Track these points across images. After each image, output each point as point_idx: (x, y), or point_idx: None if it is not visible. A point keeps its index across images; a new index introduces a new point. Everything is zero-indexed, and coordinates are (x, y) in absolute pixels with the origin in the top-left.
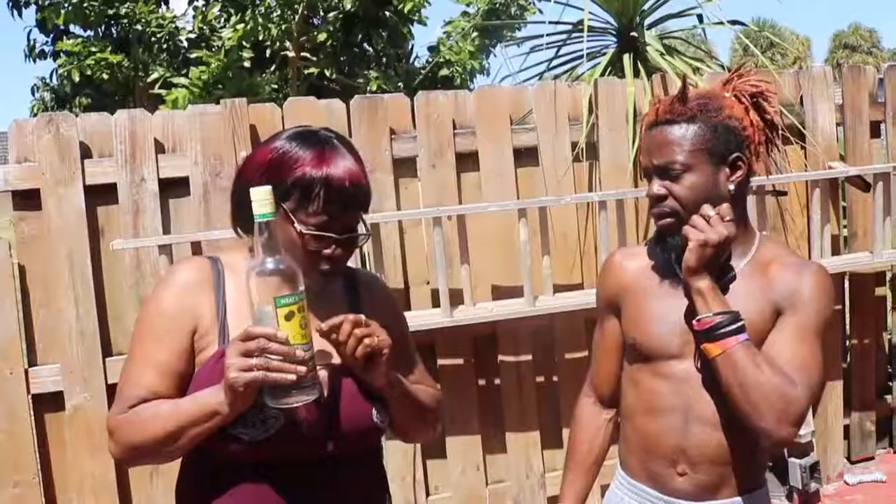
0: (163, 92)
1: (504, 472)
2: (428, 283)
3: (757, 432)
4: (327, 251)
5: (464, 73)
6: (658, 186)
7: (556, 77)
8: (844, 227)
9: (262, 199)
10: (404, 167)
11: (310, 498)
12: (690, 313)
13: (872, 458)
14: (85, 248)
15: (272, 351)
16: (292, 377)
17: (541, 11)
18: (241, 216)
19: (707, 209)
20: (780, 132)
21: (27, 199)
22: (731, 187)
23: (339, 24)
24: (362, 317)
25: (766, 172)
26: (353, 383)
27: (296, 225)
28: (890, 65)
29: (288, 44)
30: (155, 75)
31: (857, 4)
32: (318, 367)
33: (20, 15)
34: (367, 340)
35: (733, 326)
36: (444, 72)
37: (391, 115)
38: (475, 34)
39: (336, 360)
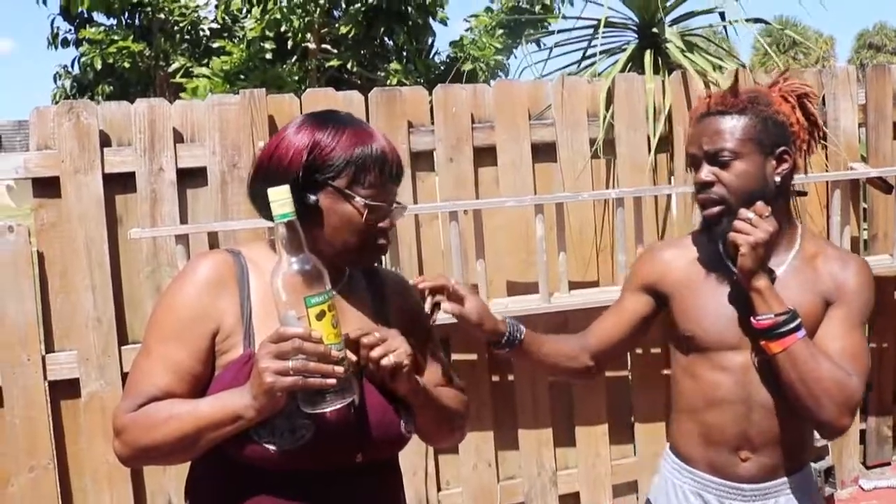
0: (184, 81)
1: (516, 469)
2: None
3: (818, 424)
4: (383, 224)
5: (487, 69)
6: (707, 172)
7: (575, 73)
8: (865, 229)
9: (281, 199)
10: (422, 160)
11: None
12: (745, 304)
13: (889, 464)
14: (103, 236)
15: (308, 351)
16: (332, 380)
17: (569, 4)
18: (258, 199)
19: (745, 212)
20: (822, 133)
21: (47, 187)
22: (777, 179)
23: (361, 17)
24: (377, 335)
25: None
26: (378, 392)
27: (356, 200)
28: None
29: (309, 35)
30: (176, 65)
31: (883, 4)
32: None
33: (45, 2)
34: (385, 360)
35: (793, 325)
36: (468, 66)
37: (409, 108)
38: (500, 31)
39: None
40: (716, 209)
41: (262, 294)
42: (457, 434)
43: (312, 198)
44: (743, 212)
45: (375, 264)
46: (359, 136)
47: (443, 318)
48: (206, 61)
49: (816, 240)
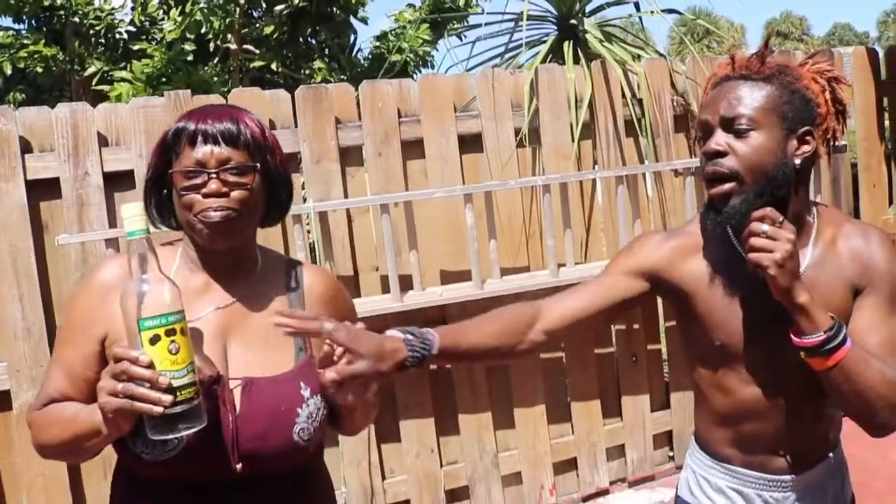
0: (105, 88)
1: (458, 454)
2: (377, 269)
3: (871, 427)
4: (204, 189)
5: (416, 58)
6: (720, 140)
7: (497, 66)
8: None
9: (133, 215)
10: (351, 156)
11: None
12: (772, 304)
13: None
14: (28, 244)
15: (134, 376)
16: (157, 409)
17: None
18: (157, 213)
19: (757, 226)
20: (846, 121)
21: None
22: (797, 162)
23: (286, 18)
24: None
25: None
26: (274, 398)
27: (175, 172)
28: (816, 49)
29: (230, 36)
30: (92, 69)
31: None
32: (235, 380)
33: None
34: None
35: (841, 336)
36: (396, 56)
37: (336, 105)
38: (424, 26)
39: (260, 369)
40: (725, 186)
41: None
42: (370, 421)
43: (167, 187)
44: (756, 226)
45: (296, 260)
46: (181, 118)
47: (380, 308)
48: (123, 65)
49: (831, 215)
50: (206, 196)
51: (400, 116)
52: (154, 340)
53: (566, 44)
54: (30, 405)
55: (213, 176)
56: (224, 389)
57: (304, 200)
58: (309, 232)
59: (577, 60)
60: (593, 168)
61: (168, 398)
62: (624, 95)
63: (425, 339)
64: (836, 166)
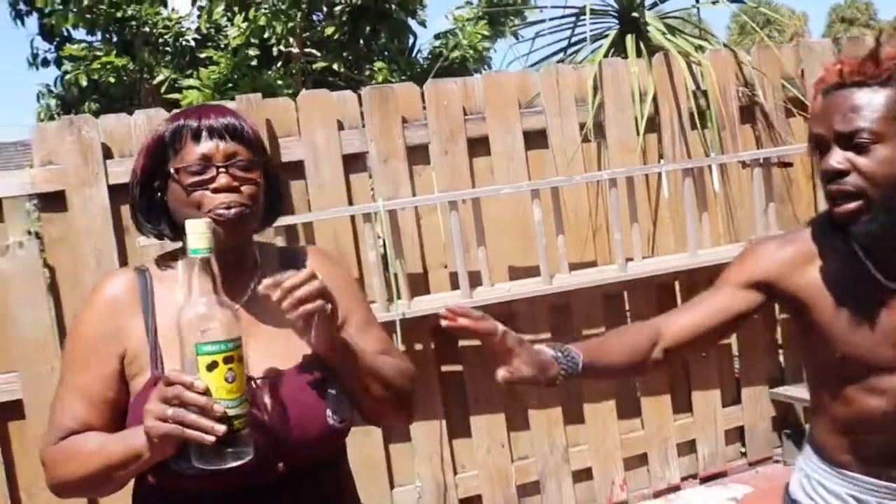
0: (176, 96)
1: (528, 449)
2: (445, 266)
3: None
4: (214, 184)
5: (476, 54)
6: (839, 158)
7: (560, 61)
8: None
9: (198, 231)
10: (418, 154)
11: None
12: None
13: None
14: (112, 247)
15: (187, 401)
16: (210, 438)
17: None
18: (144, 219)
19: None
20: None
21: (51, 202)
22: None
23: (346, 18)
24: (304, 273)
25: (772, 143)
26: (300, 388)
27: (178, 170)
28: (889, 34)
29: (291, 40)
30: (161, 77)
31: None
32: (258, 380)
33: (23, 23)
34: (306, 300)
35: None
36: (455, 54)
37: (402, 104)
38: (484, 22)
39: (280, 364)
40: (852, 205)
41: (169, 311)
42: (403, 411)
43: (162, 191)
44: None
45: (291, 249)
46: (176, 116)
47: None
48: (190, 72)
49: None
50: (216, 191)
51: (465, 114)
52: (211, 367)
53: (628, 37)
54: (42, 443)
55: (222, 170)
56: (253, 391)
57: (373, 200)
58: (379, 237)
59: (639, 54)
60: (658, 161)
61: (222, 428)
62: (688, 88)
63: (572, 357)
64: None
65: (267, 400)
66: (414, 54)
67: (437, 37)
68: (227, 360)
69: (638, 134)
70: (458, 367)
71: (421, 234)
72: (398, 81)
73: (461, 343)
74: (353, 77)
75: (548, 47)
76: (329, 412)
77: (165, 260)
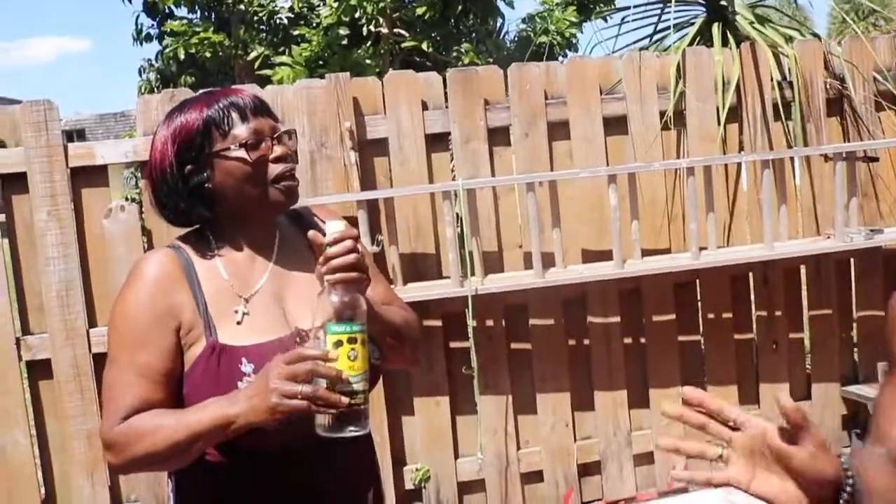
0: (268, 72)
1: (592, 430)
2: (520, 246)
3: None
4: (273, 154)
5: (563, 40)
6: None
7: (645, 48)
8: None
9: (340, 230)
10: (498, 136)
11: (308, 476)
12: None
13: None
14: None
15: (322, 374)
16: (337, 410)
17: None
18: (185, 204)
19: None
20: None
21: None
22: None
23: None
24: (345, 243)
25: (859, 137)
26: None
27: (232, 150)
28: None
29: (381, 20)
30: (255, 53)
31: None
32: (304, 331)
33: (130, 1)
34: (344, 268)
35: None
36: (543, 38)
37: (485, 87)
38: (571, 7)
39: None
40: None
41: (211, 283)
42: (408, 356)
43: (203, 176)
44: None
45: (297, 208)
46: (204, 102)
47: (522, 283)
48: (283, 49)
49: None
50: (277, 161)
51: (546, 98)
52: (338, 345)
53: (715, 26)
54: (102, 427)
55: (276, 142)
56: (302, 336)
57: (453, 179)
58: (457, 216)
59: (725, 43)
60: (739, 152)
61: (346, 400)
62: (773, 78)
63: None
64: None
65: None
66: (501, 36)
67: (524, 20)
68: (350, 341)
69: (719, 124)
70: (528, 346)
71: (498, 215)
72: (484, 63)
73: (531, 322)
74: (441, 58)
75: (634, 33)
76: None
77: (192, 239)
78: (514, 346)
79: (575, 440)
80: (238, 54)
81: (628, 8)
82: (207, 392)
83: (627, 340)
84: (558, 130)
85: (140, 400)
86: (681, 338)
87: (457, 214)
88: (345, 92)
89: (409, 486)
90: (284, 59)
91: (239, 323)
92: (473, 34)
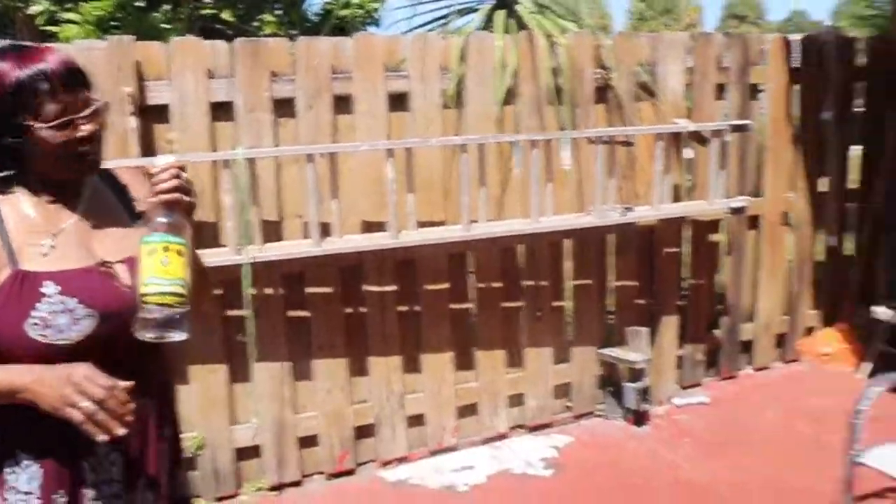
0: (54, 29)
1: (367, 393)
2: (300, 216)
3: None
4: (81, 133)
5: (365, 15)
6: None
7: (433, 28)
8: (689, 179)
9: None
10: (283, 108)
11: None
12: None
13: (699, 385)
14: None
15: (107, 407)
16: (104, 437)
17: None
18: None
19: None
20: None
21: None
22: None
23: None
24: (182, 163)
25: (622, 124)
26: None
27: (37, 129)
28: (736, 34)
29: None
30: (38, 7)
31: None
32: (114, 263)
33: None
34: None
35: None
36: (346, 12)
37: (273, 59)
38: None
39: (126, 252)
40: None
41: (16, 221)
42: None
43: (16, 139)
44: None
45: (108, 168)
46: (14, 60)
47: (299, 251)
48: (70, 6)
49: None
50: (84, 141)
51: (333, 73)
52: (151, 253)
53: (499, 13)
54: None
55: (84, 121)
56: (109, 271)
57: (234, 148)
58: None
59: (508, 30)
60: (515, 133)
61: (122, 431)
62: (550, 66)
63: None
64: (743, 146)
65: (123, 277)
66: (304, 7)
67: None
68: (164, 249)
69: (498, 105)
70: (306, 314)
71: (280, 184)
72: (287, 35)
73: (308, 290)
74: (243, 27)
75: (432, 12)
76: None
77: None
78: (291, 314)
79: (351, 404)
80: (17, 6)
81: None
82: (6, 318)
83: (402, 308)
84: (344, 104)
85: None
86: (453, 306)
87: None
88: (127, 56)
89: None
90: (73, 16)
91: (45, 255)
92: (277, 4)
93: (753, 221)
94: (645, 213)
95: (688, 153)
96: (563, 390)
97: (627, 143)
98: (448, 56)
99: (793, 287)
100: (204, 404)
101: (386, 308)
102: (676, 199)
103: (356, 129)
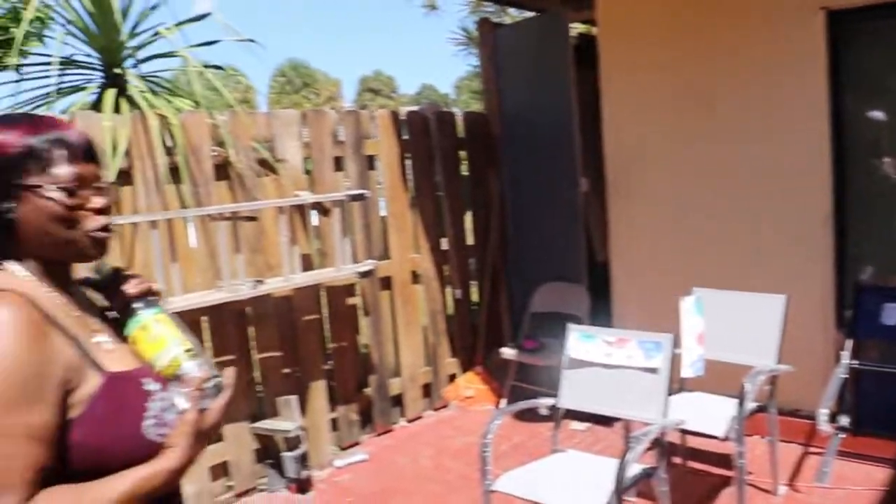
0: None
1: None
2: None
3: None
4: (91, 204)
5: None
6: None
7: (37, 107)
8: (318, 248)
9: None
10: None
11: None
12: None
13: (358, 443)
14: None
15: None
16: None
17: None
18: None
19: None
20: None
21: None
22: None
23: None
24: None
25: (245, 199)
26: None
27: (48, 189)
28: (347, 110)
29: None
30: None
31: (378, 53)
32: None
33: None
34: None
35: None
36: None
37: None
38: None
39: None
40: None
41: (65, 319)
42: None
43: (7, 206)
44: None
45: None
46: (28, 129)
47: None
48: None
49: None
50: (98, 212)
51: None
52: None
53: (109, 92)
54: None
55: (96, 193)
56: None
57: None
58: None
59: (118, 109)
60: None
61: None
62: (165, 144)
63: None
64: (367, 213)
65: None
66: None
67: None
68: (156, 322)
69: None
70: None
71: None
72: None
73: None
74: None
75: (36, 90)
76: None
77: (11, 278)
78: None
79: None
80: None
81: (26, 66)
82: (111, 427)
83: None
84: None
85: (35, 472)
86: None
87: None
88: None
89: None
90: None
91: (111, 352)
92: None
93: (386, 282)
94: (277, 285)
95: (314, 221)
96: (221, 470)
97: (251, 219)
98: None
99: (430, 339)
100: None
101: None
102: (308, 267)
103: None
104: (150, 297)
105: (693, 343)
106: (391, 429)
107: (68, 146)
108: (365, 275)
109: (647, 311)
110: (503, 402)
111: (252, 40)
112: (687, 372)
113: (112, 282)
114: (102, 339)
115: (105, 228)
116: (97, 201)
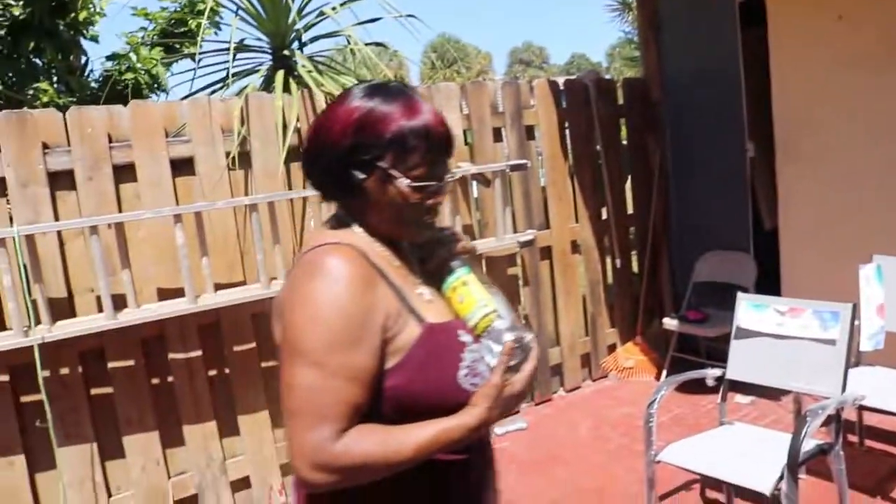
0: None
1: (185, 464)
2: (92, 290)
3: None
4: (431, 200)
5: (150, 79)
6: None
7: (216, 91)
8: (478, 219)
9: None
10: (61, 180)
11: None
12: None
13: (518, 412)
14: None
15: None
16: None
17: (216, 31)
18: (329, 182)
19: None
20: None
21: None
22: None
23: (5, 33)
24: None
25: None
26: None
27: (399, 181)
28: (506, 80)
29: None
30: None
31: (529, 25)
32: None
33: None
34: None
35: None
36: (129, 76)
37: (42, 130)
38: (159, 49)
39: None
40: None
41: (391, 271)
42: None
43: (360, 176)
44: None
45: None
46: (404, 112)
47: (94, 326)
48: None
49: None
50: (430, 210)
51: (111, 141)
52: (455, 290)
53: (279, 73)
54: (313, 442)
55: (440, 189)
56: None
57: (11, 224)
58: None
59: (287, 89)
60: (303, 188)
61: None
62: None
63: None
64: (526, 183)
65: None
66: (86, 74)
67: (109, 58)
68: (463, 284)
69: (282, 162)
70: (109, 389)
71: (65, 259)
72: (67, 103)
73: (110, 365)
74: (16, 97)
75: (212, 76)
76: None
77: (351, 234)
78: (94, 391)
79: (169, 477)
80: None
81: (203, 54)
82: (430, 373)
83: (211, 372)
84: (125, 173)
85: (351, 408)
86: (263, 364)
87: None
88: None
89: None
90: None
91: (430, 302)
92: (54, 71)
93: (546, 252)
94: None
95: (474, 192)
96: None
97: (486, 182)
98: (229, 117)
99: (589, 309)
100: (3, 500)
101: (194, 374)
102: (471, 237)
103: (141, 197)
104: (465, 255)
105: (873, 314)
106: (550, 398)
107: (430, 140)
108: (525, 244)
109: (818, 280)
110: (664, 373)
111: (412, 15)
112: (866, 345)
113: (434, 240)
114: (423, 291)
115: (433, 221)
116: (436, 199)
